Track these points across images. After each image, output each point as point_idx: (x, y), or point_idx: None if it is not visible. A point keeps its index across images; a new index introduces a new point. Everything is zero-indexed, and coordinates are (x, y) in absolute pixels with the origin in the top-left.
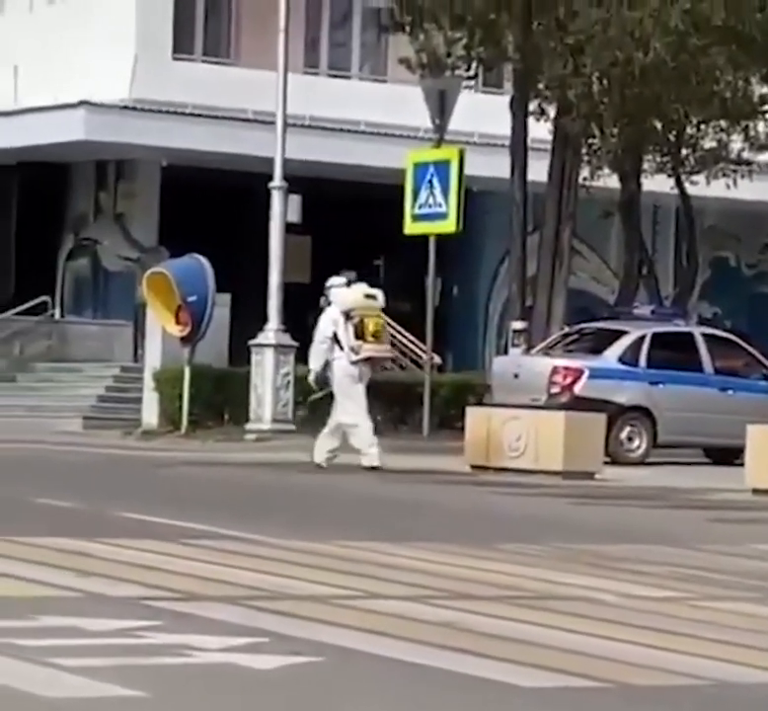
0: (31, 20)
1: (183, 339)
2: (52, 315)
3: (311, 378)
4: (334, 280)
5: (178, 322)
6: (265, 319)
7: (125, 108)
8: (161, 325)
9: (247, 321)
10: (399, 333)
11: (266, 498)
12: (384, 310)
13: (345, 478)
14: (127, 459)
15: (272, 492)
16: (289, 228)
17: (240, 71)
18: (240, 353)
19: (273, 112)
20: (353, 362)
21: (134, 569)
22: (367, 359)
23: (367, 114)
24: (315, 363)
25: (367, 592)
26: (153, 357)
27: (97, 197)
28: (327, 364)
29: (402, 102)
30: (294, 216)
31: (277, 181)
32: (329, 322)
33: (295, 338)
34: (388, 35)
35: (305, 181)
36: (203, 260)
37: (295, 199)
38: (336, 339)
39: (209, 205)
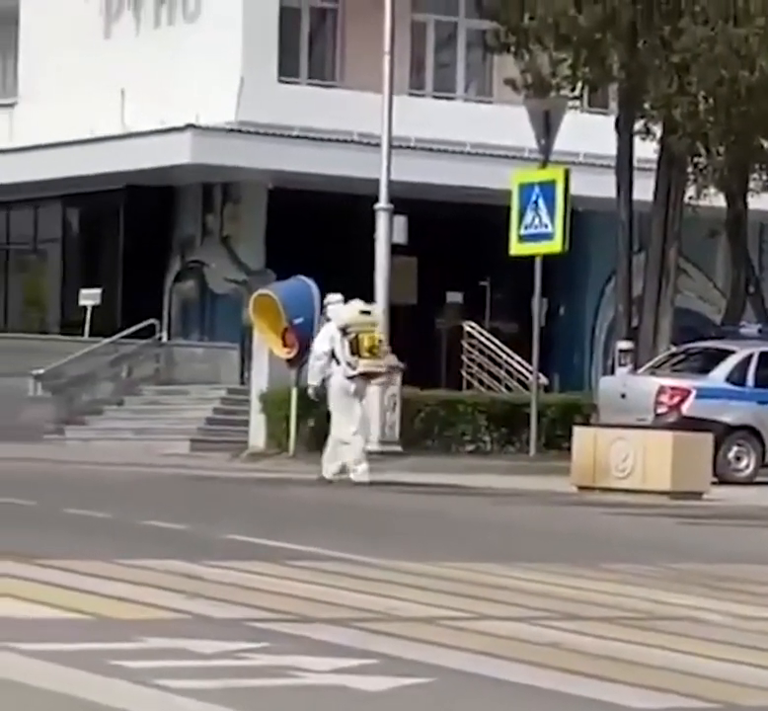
0: (137, 44)
1: (289, 361)
2: (160, 338)
3: (310, 393)
4: (331, 298)
5: (284, 344)
6: None
7: (232, 130)
8: (268, 347)
9: None
10: (505, 353)
11: (372, 519)
12: (490, 330)
13: (452, 500)
14: (234, 481)
15: (378, 513)
16: (395, 249)
17: (345, 93)
18: None
19: (379, 133)
20: (350, 377)
21: (241, 591)
22: (363, 374)
23: (472, 135)
24: (314, 379)
25: (476, 614)
26: (260, 380)
27: (204, 219)
28: (325, 380)
29: (507, 122)
30: (400, 238)
31: (383, 202)
32: (326, 338)
33: (402, 359)
34: (493, 55)
35: (411, 202)
36: (310, 282)
37: (401, 221)
38: (333, 355)
39: (315, 227)
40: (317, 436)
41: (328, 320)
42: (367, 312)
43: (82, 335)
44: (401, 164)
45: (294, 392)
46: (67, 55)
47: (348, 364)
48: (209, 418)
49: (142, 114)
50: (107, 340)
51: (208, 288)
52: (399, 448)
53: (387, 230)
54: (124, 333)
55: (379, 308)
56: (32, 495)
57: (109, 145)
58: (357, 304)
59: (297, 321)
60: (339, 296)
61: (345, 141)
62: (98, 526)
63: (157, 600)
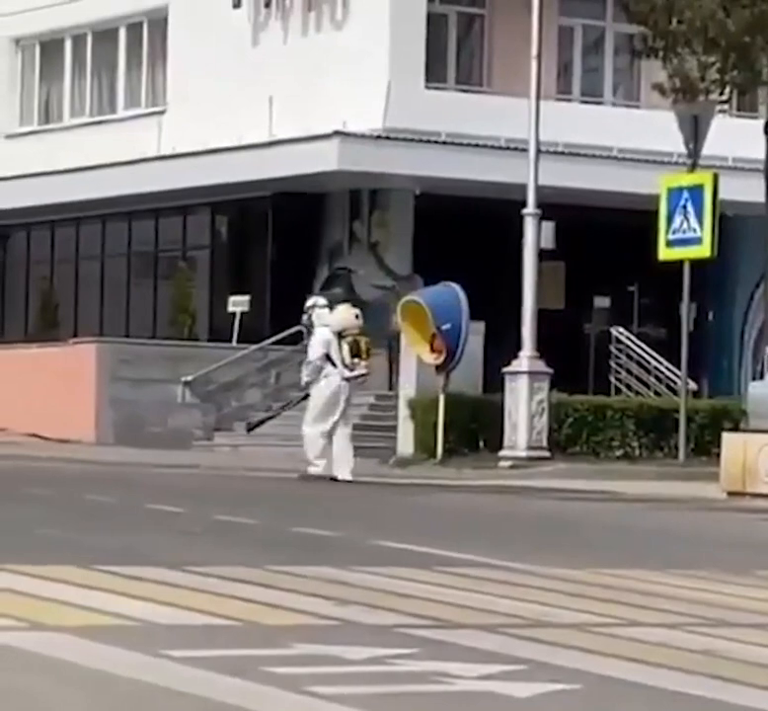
0: (285, 51)
1: (437, 367)
2: (306, 345)
3: (306, 384)
4: (317, 301)
5: (432, 350)
6: (519, 346)
7: (378, 137)
8: (415, 353)
9: (501, 348)
10: (653, 358)
11: (521, 525)
12: (638, 335)
13: (601, 506)
14: (383, 487)
15: (527, 519)
16: (543, 255)
17: (492, 98)
18: (494, 380)
19: (526, 138)
20: (347, 379)
21: (390, 597)
22: (358, 376)
23: (620, 139)
24: (308, 377)
25: (626, 620)
26: (408, 386)
27: (351, 226)
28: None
29: (655, 127)
30: (548, 243)
31: (531, 208)
32: (322, 342)
33: (550, 364)
34: (641, 60)
35: (558, 207)
36: (457, 288)
37: (549, 226)
38: (328, 357)
39: (463, 233)
40: (465, 442)
41: (310, 324)
42: (358, 316)
43: (230, 341)
44: (548, 169)
45: (442, 398)
46: (215, 64)
47: (346, 367)
48: (357, 424)
49: (290, 121)
50: (255, 346)
51: (356, 295)
52: (547, 454)
53: (535, 235)
54: (273, 339)
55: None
56: (181, 502)
57: (256, 153)
58: (350, 309)
59: (445, 327)
60: (323, 300)
61: (493, 147)
62: (248, 533)
63: (307, 607)
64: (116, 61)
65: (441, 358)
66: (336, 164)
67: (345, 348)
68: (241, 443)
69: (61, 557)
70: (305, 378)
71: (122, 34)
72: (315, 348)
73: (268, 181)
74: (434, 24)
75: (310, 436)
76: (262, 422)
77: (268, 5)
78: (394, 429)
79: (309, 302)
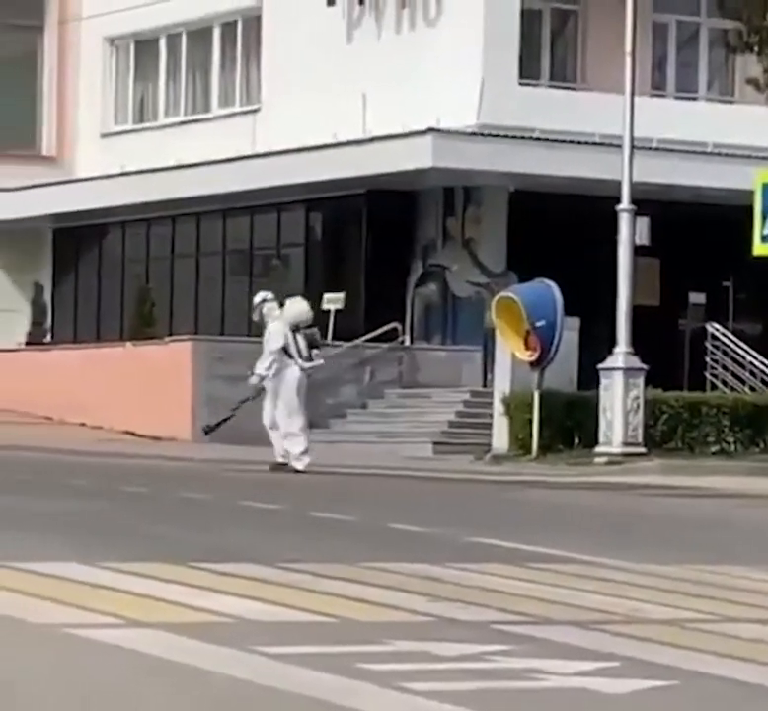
0: (378, 48)
1: (532, 363)
2: (402, 341)
3: (254, 382)
4: (265, 295)
5: (527, 347)
6: (614, 342)
7: (473, 134)
8: (510, 350)
9: (596, 344)
10: (749, 354)
11: (615, 521)
12: (734, 331)
13: (696, 502)
14: (477, 484)
15: (621, 515)
16: (638, 251)
17: (586, 94)
18: (589, 376)
19: (620, 134)
20: (305, 370)
21: (484, 593)
22: (314, 367)
23: (715, 135)
24: (266, 371)
25: (719, 616)
26: (503, 382)
27: (445, 223)
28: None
29: (750, 122)
30: (643, 239)
31: (625, 204)
32: (279, 335)
33: (645, 361)
34: (735, 55)
35: (653, 203)
36: (552, 284)
37: (644, 222)
38: (285, 350)
39: (557, 229)
40: (560, 439)
41: (260, 318)
42: (310, 309)
43: (325, 338)
44: (643, 165)
45: (537, 395)
46: (309, 61)
47: (303, 358)
48: (452, 421)
49: (384, 118)
50: (350, 343)
51: (450, 291)
52: (642, 450)
53: (630, 232)
54: (367, 336)
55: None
56: (277, 498)
57: (351, 150)
58: (302, 301)
59: (539, 324)
60: (272, 295)
61: (587, 143)
62: (342, 529)
63: (401, 603)
64: (211, 60)
65: (536, 355)
66: (430, 161)
67: (301, 340)
68: (336, 440)
69: (156, 554)
70: (262, 371)
71: (217, 32)
72: (271, 342)
73: (363, 178)
74: (528, 20)
75: (293, 433)
76: (219, 424)
77: (362, 2)
78: (488, 425)
79: (257, 298)
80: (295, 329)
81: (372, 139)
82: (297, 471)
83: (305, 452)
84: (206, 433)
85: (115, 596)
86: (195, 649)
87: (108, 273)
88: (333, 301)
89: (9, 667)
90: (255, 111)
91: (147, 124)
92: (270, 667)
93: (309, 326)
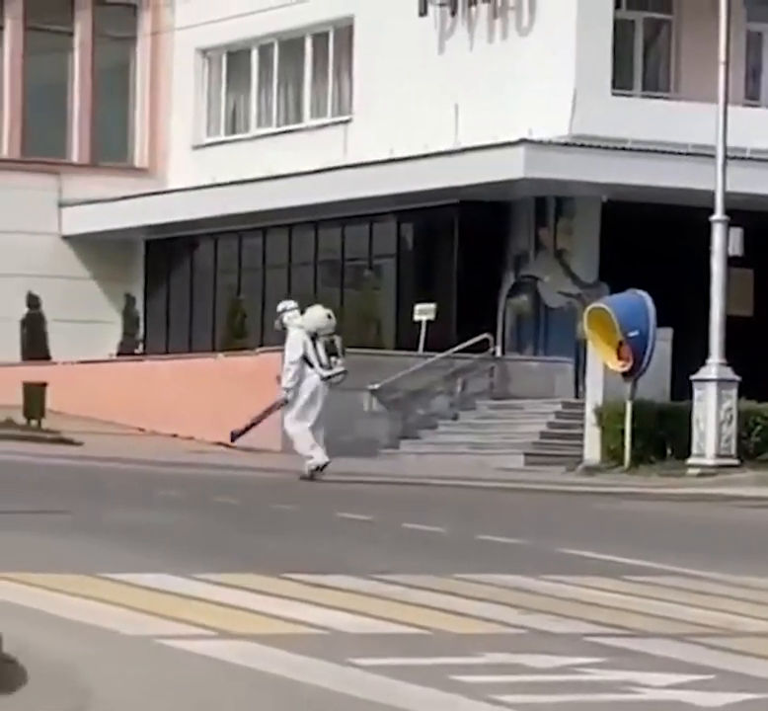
0: (470, 59)
1: (624, 374)
2: (494, 352)
3: (287, 396)
4: (287, 304)
5: (619, 357)
6: (707, 353)
7: (565, 144)
8: (602, 360)
9: (689, 355)
10: None
11: (709, 533)
12: None
13: None
14: (569, 495)
15: (715, 527)
16: (731, 261)
17: (679, 104)
18: (682, 387)
19: (713, 144)
20: (325, 378)
21: (577, 605)
22: (337, 374)
23: None
24: (290, 383)
25: None
26: (595, 393)
27: (537, 233)
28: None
29: None
30: (736, 250)
31: (719, 214)
32: (298, 344)
33: (738, 372)
34: None
35: (747, 213)
36: (644, 295)
37: (737, 232)
38: (305, 358)
39: (650, 240)
40: (652, 450)
41: (283, 327)
42: (330, 316)
43: (417, 350)
44: (736, 175)
45: (629, 405)
46: (401, 71)
47: (323, 366)
48: (544, 432)
49: (476, 128)
50: (441, 354)
51: (542, 302)
52: (736, 462)
53: (723, 242)
54: (459, 347)
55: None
56: (369, 510)
57: (442, 160)
58: (323, 309)
59: (632, 334)
60: (293, 304)
61: (680, 153)
62: (434, 541)
63: (493, 615)
64: (303, 71)
65: (628, 366)
66: (522, 171)
67: (321, 348)
68: (427, 452)
69: (248, 565)
70: (287, 384)
71: (308, 43)
72: (292, 350)
73: (455, 189)
74: (621, 29)
75: (296, 433)
76: (246, 430)
77: (454, 13)
78: (580, 437)
79: (280, 307)
80: (315, 336)
81: (464, 150)
82: (307, 476)
83: (312, 448)
84: (233, 439)
85: (208, 608)
86: (288, 660)
87: (199, 284)
88: (424, 312)
89: (103, 677)
90: (346, 121)
91: (239, 135)
92: (363, 678)
93: (330, 334)
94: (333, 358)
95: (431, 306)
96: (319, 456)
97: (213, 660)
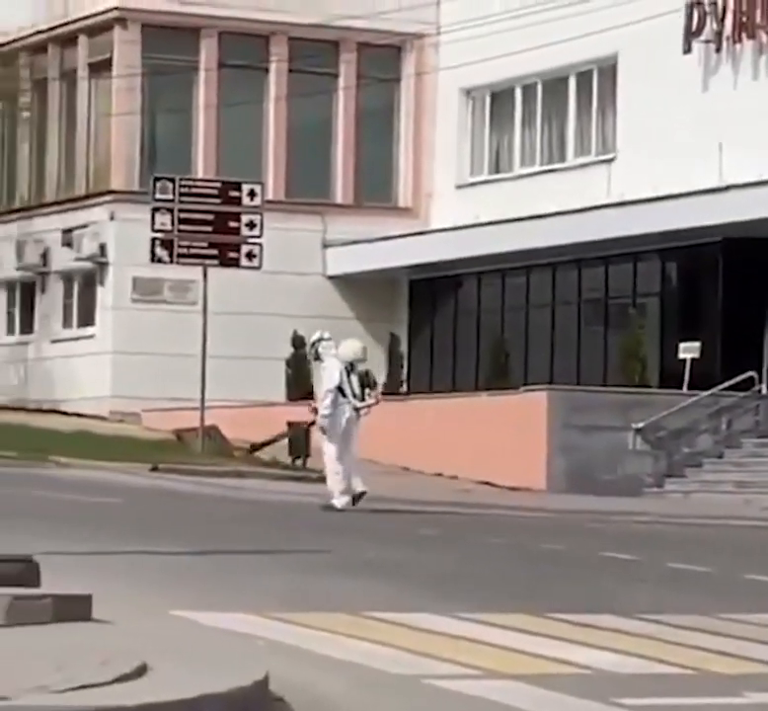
0: (735, 95)
1: None
2: (759, 390)
3: (324, 424)
4: (322, 334)
5: None
6: None
7: None
8: None
9: None
10: None
11: None
12: None
13: None
14: None
15: None
16: None
17: None
18: None
19: None
20: (357, 409)
21: None
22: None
23: None
24: (326, 409)
25: None
26: None
27: None
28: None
29: None
30: None
31: None
32: (335, 374)
33: None
34: None
35: None
36: None
37: None
38: (340, 389)
39: None
40: None
41: (317, 357)
42: (365, 349)
43: (681, 388)
44: None
45: None
46: (665, 109)
47: (356, 397)
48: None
49: (741, 166)
50: (706, 392)
51: None
52: None
53: None
54: (724, 385)
55: None
56: (634, 549)
57: (706, 198)
58: (357, 342)
59: None
60: (328, 334)
61: None
62: (700, 580)
63: (759, 655)
64: (566, 109)
65: None
66: None
67: (356, 380)
68: (691, 490)
69: (513, 605)
70: (325, 411)
71: (572, 82)
72: (328, 379)
73: (719, 226)
74: None
75: (330, 470)
76: (265, 444)
77: (718, 50)
78: None
79: (314, 336)
80: (350, 368)
81: (728, 187)
82: (333, 508)
83: (343, 493)
84: (250, 451)
85: (473, 647)
86: (556, 701)
87: (463, 323)
88: (689, 350)
89: None
90: (610, 160)
91: (502, 175)
92: None
93: (363, 367)
94: (366, 390)
95: (696, 344)
96: (342, 501)
97: (479, 699)
